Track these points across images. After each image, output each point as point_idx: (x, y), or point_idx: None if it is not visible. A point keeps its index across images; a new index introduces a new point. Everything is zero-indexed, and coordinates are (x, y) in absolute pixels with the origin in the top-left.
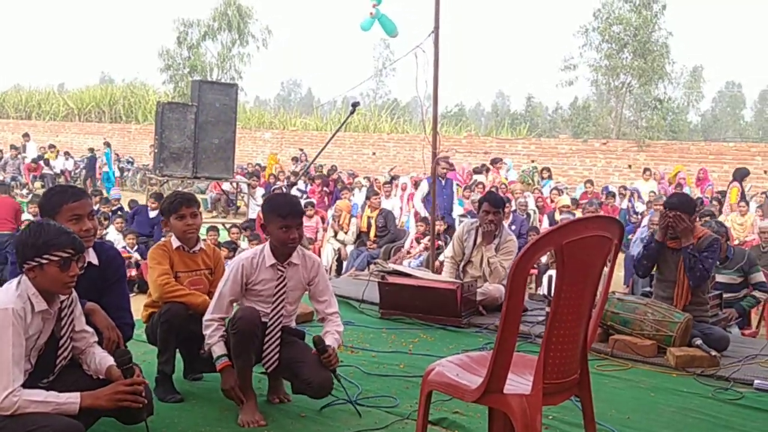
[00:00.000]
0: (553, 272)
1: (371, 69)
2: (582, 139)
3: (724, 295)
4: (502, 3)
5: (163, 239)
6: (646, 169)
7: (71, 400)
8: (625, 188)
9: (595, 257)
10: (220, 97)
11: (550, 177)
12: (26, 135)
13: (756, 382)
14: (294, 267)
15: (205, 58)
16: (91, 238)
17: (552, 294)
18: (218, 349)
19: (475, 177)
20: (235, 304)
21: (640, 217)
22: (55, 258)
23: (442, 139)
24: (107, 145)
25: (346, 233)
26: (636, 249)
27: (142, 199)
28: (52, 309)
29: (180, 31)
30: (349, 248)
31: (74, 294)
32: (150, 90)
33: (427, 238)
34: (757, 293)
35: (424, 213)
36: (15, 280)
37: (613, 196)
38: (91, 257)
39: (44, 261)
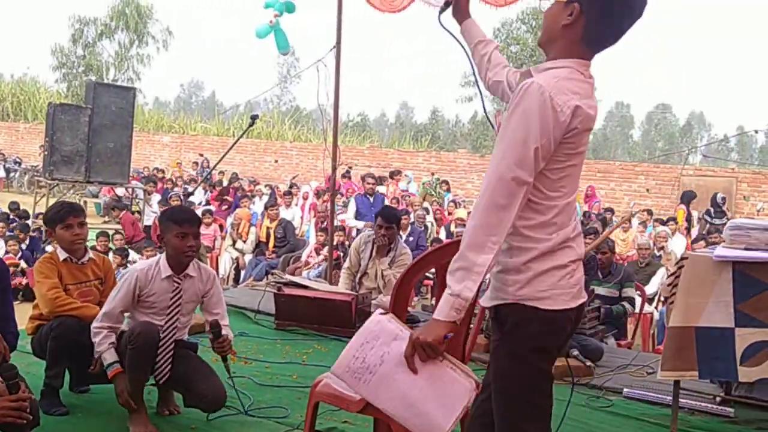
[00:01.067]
0: None
1: (276, 75)
2: (480, 153)
3: (603, 308)
4: (407, 15)
5: (48, 251)
6: None
7: None
8: None
9: None
10: (117, 100)
11: (448, 190)
12: None
13: (625, 390)
14: (190, 279)
15: (101, 58)
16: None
17: None
18: (109, 357)
19: (377, 188)
20: (125, 315)
21: None
22: None
23: (344, 150)
24: None
25: (244, 242)
26: None
27: (29, 202)
28: None
29: (75, 28)
30: (248, 257)
31: None
32: (41, 88)
33: (326, 248)
34: (626, 305)
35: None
36: None
37: None
38: None
39: None
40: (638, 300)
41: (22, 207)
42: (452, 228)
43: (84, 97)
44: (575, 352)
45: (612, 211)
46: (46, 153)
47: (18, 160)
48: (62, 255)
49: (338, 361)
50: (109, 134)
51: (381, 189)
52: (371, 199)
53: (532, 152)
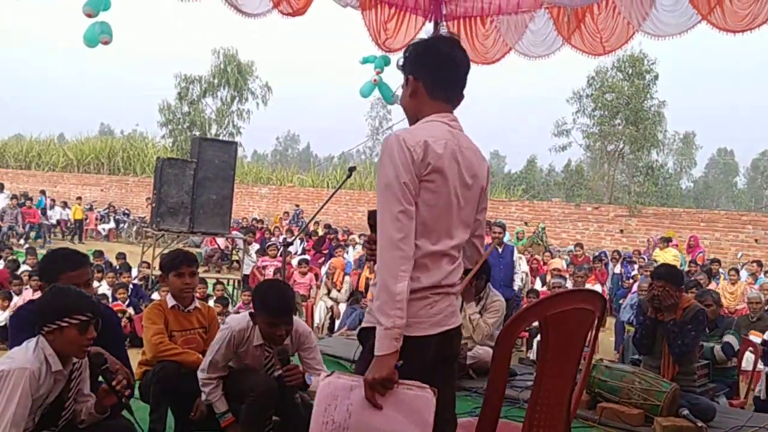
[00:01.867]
0: None
1: (367, 127)
2: (575, 203)
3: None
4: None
5: (158, 299)
6: (665, 239)
7: None
8: (618, 253)
9: (578, 328)
10: (220, 154)
11: None
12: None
13: None
14: (283, 346)
15: (204, 114)
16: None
17: None
18: (221, 405)
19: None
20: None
21: (631, 281)
22: (75, 321)
23: None
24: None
25: (339, 291)
26: (626, 315)
27: (137, 251)
28: (65, 370)
29: (181, 86)
30: (342, 306)
31: (85, 359)
32: (149, 143)
33: None
34: (717, 347)
35: None
36: (33, 341)
37: (601, 260)
38: None
39: (64, 324)
40: (750, 357)
41: (129, 256)
42: (548, 278)
43: (189, 151)
44: (685, 412)
45: (718, 261)
46: (153, 205)
47: (127, 211)
48: (170, 302)
49: None
50: (212, 186)
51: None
52: (500, 250)
53: (404, 185)
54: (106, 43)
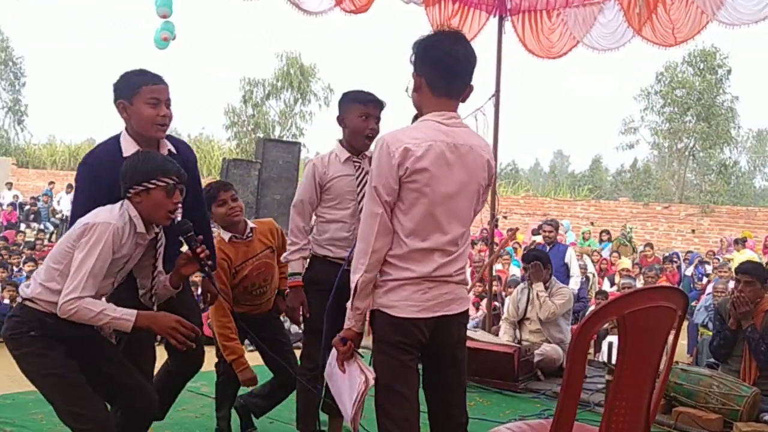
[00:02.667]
0: (613, 338)
1: None
2: (643, 202)
3: None
4: (561, 62)
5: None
6: (741, 240)
7: (126, 316)
8: (691, 254)
9: (658, 328)
10: (284, 154)
11: (609, 240)
12: (8, 183)
13: None
14: (366, 159)
15: (268, 116)
16: (167, 126)
17: (611, 361)
18: (296, 266)
19: (534, 238)
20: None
21: (705, 283)
22: (162, 183)
23: (499, 199)
24: None
25: None
26: (700, 317)
27: None
28: (148, 235)
29: (245, 90)
30: None
31: (162, 236)
32: (215, 145)
33: (485, 300)
34: None
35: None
36: (117, 204)
37: (672, 261)
38: (169, 146)
39: (152, 186)
40: None
41: None
42: (617, 279)
43: (254, 152)
44: (766, 417)
45: None
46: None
47: None
48: (226, 236)
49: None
50: (276, 186)
51: (539, 239)
52: (547, 249)
53: (374, 189)
54: (165, 39)
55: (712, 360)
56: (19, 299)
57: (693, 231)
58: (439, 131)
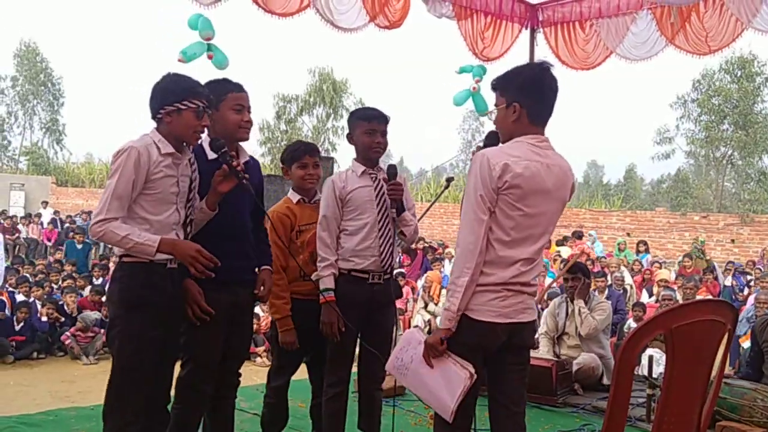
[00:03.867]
0: (653, 351)
1: (460, 141)
2: (680, 212)
3: None
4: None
5: (281, 201)
6: None
7: (149, 242)
8: (732, 264)
9: (706, 342)
10: None
11: (647, 251)
12: (44, 202)
13: None
14: (381, 171)
15: (301, 132)
16: (249, 129)
17: (652, 375)
18: (328, 282)
19: (558, 249)
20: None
21: (746, 294)
22: (193, 105)
23: None
24: None
25: (436, 304)
26: (742, 329)
27: None
28: (180, 155)
29: (279, 106)
30: (439, 320)
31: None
32: None
33: None
34: None
35: None
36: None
37: (712, 271)
38: (248, 155)
39: (183, 107)
40: None
41: None
42: (655, 289)
43: None
44: None
45: None
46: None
47: None
48: (294, 197)
49: (388, 361)
50: None
51: (564, 250)
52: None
53: (480, 197)
54: (210, 57)
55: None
56: (115, 258)
57: (733, 241)
58: (535, 152)
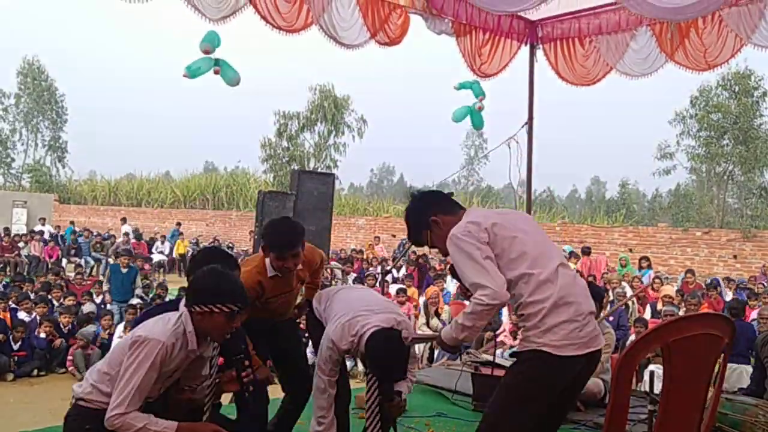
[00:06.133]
0: (654, 367)
1: (463, 156)
2: (682, 227)
3: None
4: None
5: (257, 259)
6: None
7: (167, 429)
8: (730, 280)
9: (704, 356)
10: (318, 186)
11: (649, 266)
12: (123, 219)
13: None
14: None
15: (302, 149)
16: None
17: (654, 390)
18: None
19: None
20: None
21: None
22: (227, 309)
23: None
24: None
25: (440, 319)
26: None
27: None
28: (199, 351)
29: (280, 123)
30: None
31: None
32: (251, 178)
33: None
34: None
35: None
36: (175, 315)
37: (715, 287)
38: None
39: (216, 310)
40: None
41: None
42: (659, 306)
43: (289, 184)
44: None
45: None
46: (256, 237)
47: (231, 245)
48: (270, 272)
49: None
50: (311, 218)
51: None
52: None
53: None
54: (217, 72)
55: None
56: (72, 399)
57: (735, 256)
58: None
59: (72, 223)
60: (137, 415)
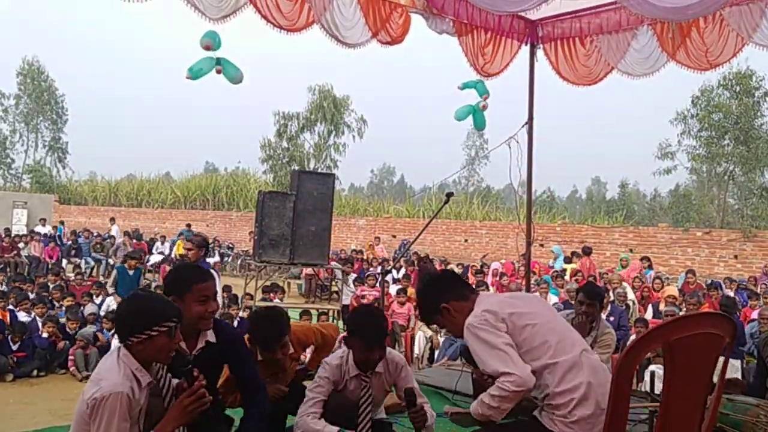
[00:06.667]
0: (655, 367)
1: (463, 156)
2: (683, 227)
3: None
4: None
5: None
6: None
7: None
8: (731, 280)
9: (705, 355)
10: (318, 186)
11: (650, 267)
12: (112, 219)
13: None
14: (378, 375)
15: (302, 149)
16: (212, 319)
17: (654, 390)
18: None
19: (564, 266)
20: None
21: (746, 309)
22: (164, 329)
23: (535, 227)
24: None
25: None
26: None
27: (240, 284)
28: (152, 377)
29: (280, 123)
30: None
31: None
32: (251, 179)
33: None
34: None
35: None
36: (113, 357)
37: (717, 288)
38: (209, 336)
39: (155, 333)
40: None
41: (233, 289)
42: (662, 306)
43: (289, 184)
44: None
45: None
46: (255, 237)
47: (231, 245)
48: (261, 356)
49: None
50: (311, 218)
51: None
52: None
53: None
54: (219, 72)
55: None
56: None
57: (735, 257)
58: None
59: (62, 222)
60: None
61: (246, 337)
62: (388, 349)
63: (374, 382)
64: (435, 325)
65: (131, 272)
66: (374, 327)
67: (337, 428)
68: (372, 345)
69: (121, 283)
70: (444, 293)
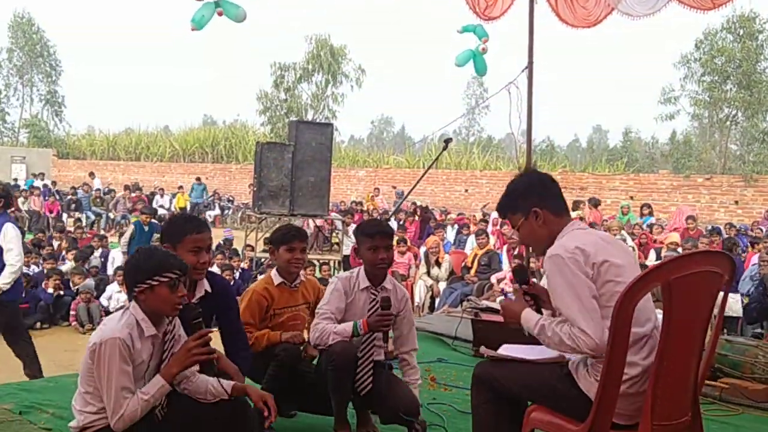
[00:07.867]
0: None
1: (463, 106)
2: (684, 174)
3: None
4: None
5: (263, 276)
6: None
7: (157, 386)
8: (731, 225)
9: (704, 293)
10: (317, 136)
11: (650, 213)
12: (91, 173)
13: None
14: (386, 292)
15: (300, 100)
16: (205, 270)
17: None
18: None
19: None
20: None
21: (749, 253)
22: (165, 279)
23: None
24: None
25: (439, 269)
26: (745, 287)
27: (241, 236)
28: (159, 332)
29: (277, 74)
30: (442, 285)
31: (176, 319)
32: (250, 131)
33: None
34: None
35: None
36: (121, 311)
37: (718, 233)
38: (206, 286)
39: (155, 283)
40: None
41: (234, 241)
42: (663, 252)
43: (287, 135)
44: None
45: None
46: (254, 189)
47: (231, 198)
48: (277, 279)
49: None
50: (310, 169)
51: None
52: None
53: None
54: (221, 14)
55: (759, 330)
56: None
57: (736, 202)
58: (588, 234)
59: (34, 175)
60: (128, 402)
61: (269, 250)
62: (395, 282)
63: (383, 298)
64: (506, 221)
65: (146, 228)
66: (377, 223)
67: (351, 322)
68: (375, 238)
69: (138, 238)
70: (543, 197)
